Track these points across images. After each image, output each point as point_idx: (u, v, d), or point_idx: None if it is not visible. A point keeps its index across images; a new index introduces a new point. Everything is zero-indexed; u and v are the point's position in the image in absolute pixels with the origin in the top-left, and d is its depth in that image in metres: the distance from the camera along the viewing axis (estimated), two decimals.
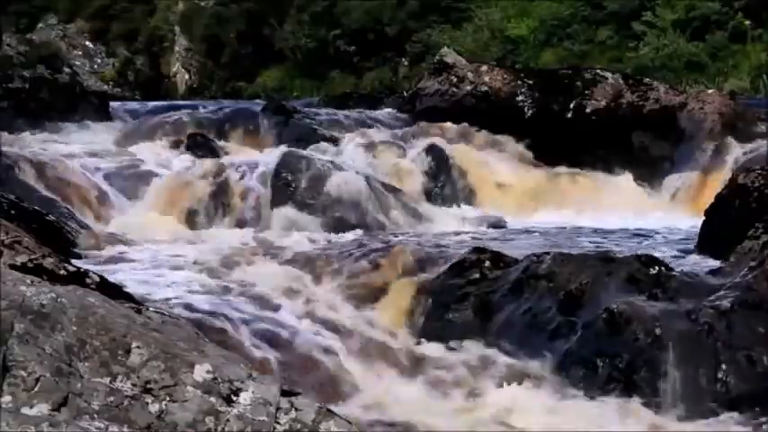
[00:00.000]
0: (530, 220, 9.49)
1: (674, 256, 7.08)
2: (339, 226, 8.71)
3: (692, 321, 5.13)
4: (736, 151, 10.47)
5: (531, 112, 11.16)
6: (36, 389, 2.64)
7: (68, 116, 11.57)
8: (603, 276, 5.70)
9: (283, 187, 9.13)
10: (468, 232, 8.79)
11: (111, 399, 2.72)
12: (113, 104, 13.22)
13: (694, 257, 7.12)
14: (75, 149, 10.17)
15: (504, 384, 5.16)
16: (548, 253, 6.09)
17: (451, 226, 9.07)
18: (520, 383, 5.15)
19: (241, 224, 8.83)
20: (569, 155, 10.85)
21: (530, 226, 9.17)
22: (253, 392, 2.84)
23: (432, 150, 10.42)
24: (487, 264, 6.23)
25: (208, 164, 9.66)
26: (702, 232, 7.39)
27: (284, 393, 2.89)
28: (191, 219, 8.89)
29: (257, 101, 15.28)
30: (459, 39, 19.31)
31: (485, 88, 11.36)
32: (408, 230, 8.74)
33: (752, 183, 7.00)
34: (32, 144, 9.90)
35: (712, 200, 7.50)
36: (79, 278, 3.44)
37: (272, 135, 11.35)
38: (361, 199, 9.03)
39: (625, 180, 10.65)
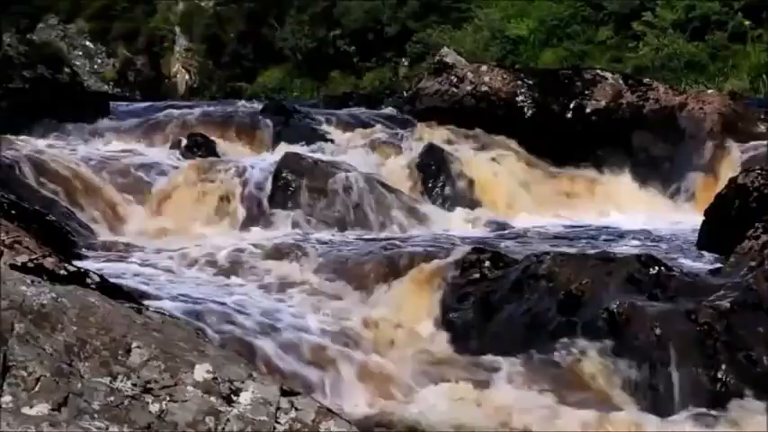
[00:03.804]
0: (530, 220, 9.48)
1: (674, 256, 7.08)
2: (339, 226, 8.72)
3: (692, 321, 5.13)
4: (736, 151, 10.47)
5: (531, 112, 11.14)
6: (36, 389, 2.65)
7: (69, 116, 11.54)
8: (603, 276, 5.70)
9: (283, 187, 9.14)
10: (467, 232, 8.79)
11: (112, 399, 2.72)
12: (113, 104, 13.19)
13: (694, 257, 7.12)
14: (75, 149, 10.17)
15: (504, 384, 5.16)
16: (548, 253, 6.09)
17: (451, 226, 9.07)
18: (519, 383, 5.15)
19: (241, 225, 8.83)
20: (569, 155, 10.84)
21: (530, 226, 9.17)
22: (253, 392, 2.85)
23: (432, 150, 10.40)
24: (487, 264, 6.23)
25: (207, 164, 9.66)
26: (702, 232, 7.39)
27: (284, 393, 2.90)
28: (190, 219, 8.89)
29: (257, 101, 15.25)
30: (459, 39, 19.28)
31: (485, 88, 11.34)
32: (408, 230, 8.75)
33: (752, 183, 6.99)
34: (32, 144, 9.89)
35: (712, 200, 7.49)
36: (79, 278, 3.44)
37: (271, 135, 11.35)
38: (361, 199, 9.03)
39: (625, 180, 10.64)
